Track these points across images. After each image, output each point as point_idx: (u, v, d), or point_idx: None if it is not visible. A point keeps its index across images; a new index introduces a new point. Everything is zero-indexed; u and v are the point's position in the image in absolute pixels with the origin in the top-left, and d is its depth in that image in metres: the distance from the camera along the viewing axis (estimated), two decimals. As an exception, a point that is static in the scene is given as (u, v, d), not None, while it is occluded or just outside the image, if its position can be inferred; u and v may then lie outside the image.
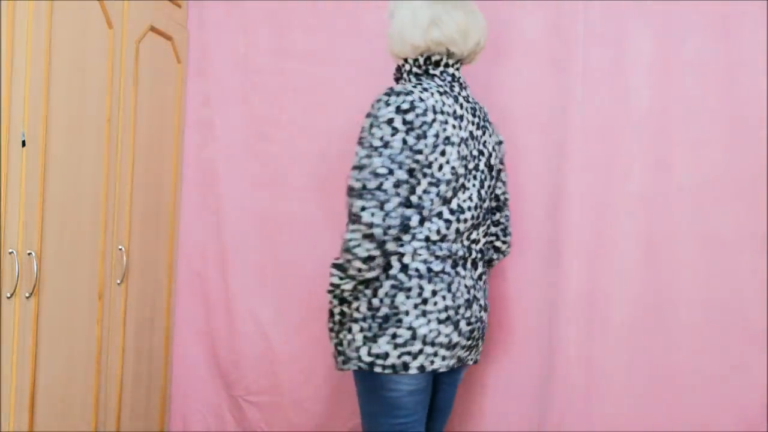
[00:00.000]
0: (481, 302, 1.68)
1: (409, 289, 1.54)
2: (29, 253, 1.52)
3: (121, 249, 1.92)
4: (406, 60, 1.69)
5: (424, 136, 1.52)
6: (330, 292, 1.59)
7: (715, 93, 1.97)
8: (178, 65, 2.26)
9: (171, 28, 2.17)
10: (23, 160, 1.49)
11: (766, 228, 1.93)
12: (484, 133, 1.69)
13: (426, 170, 1.54)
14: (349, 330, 1.58)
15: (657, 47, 2.01)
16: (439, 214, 1.57)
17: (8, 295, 1.46)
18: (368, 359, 1.55)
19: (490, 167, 1.70)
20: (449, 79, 1.66)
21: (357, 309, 1.57)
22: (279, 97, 2.28)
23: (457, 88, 1.66)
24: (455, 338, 1.58)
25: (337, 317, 1.60)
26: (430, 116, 1.54)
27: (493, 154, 1.73)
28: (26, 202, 1.50)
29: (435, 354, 1.55)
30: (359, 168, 1.50)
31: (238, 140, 2.30)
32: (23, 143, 1.49)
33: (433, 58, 1.66)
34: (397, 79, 1.72)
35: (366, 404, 1.64)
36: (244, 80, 2.30)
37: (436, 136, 1.54)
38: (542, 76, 2.08)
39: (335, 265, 1.56)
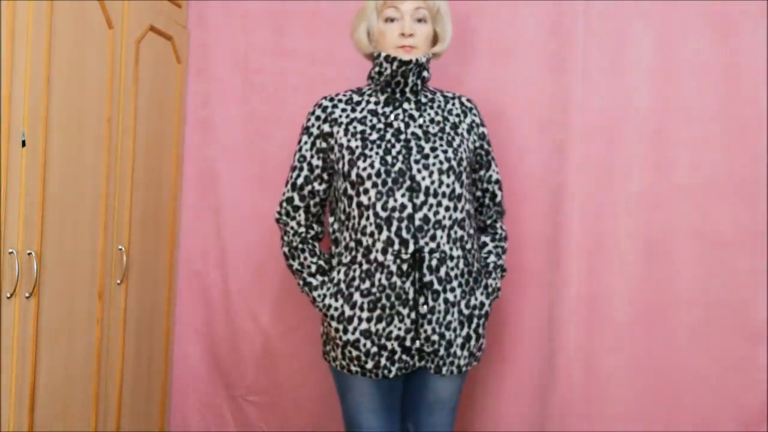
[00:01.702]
0: None
1: None
2: (29, 253, 1.52)
3: (121, 249, 1.92)
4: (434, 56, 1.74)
5: None
6: (499, 289, 1.71)
7: (715, 93, 1.97)
8: (178, 65, 2.26)
9: (171, 28, 2.17)
10: (23, 160, 1.49)
11: (766, 228, 1.93)
12: None
13: None
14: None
15: (657, 47, 2.01)
16: None
17: (8, 295, 1.46)
18: None
19: None
20: None
21: None
22: (279, 97, 2.27)
23: None
24: None
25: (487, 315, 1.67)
26: None
27: None
28: (26, 202, 1.50)
29: None
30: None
31: (238, 140, 2.30)
32: (23, 143, 1.49)
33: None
34: (427, 74, 1.69)
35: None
36: (244, 80, 2.30)
37: None
38: (542, 76, 2.08)
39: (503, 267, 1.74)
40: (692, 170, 1.99)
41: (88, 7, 1.71)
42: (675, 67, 2.00)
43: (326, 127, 1.66)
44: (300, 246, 1.68)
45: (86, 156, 1.74)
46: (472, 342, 1.62)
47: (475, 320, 1.61)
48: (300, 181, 1.68)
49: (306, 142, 1.68)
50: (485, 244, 1.75)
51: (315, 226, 1.70)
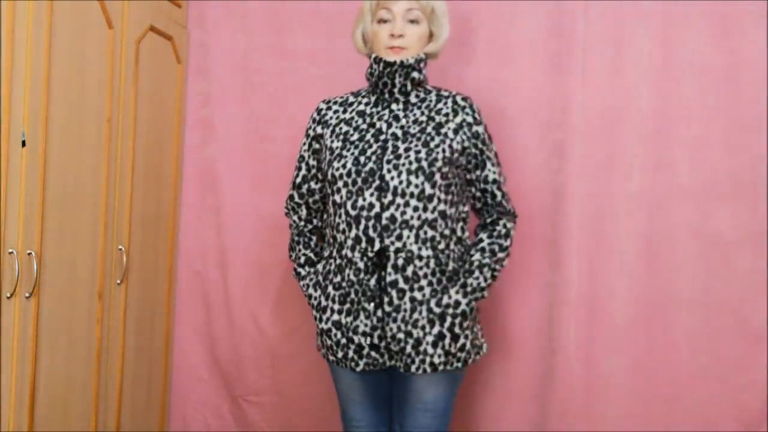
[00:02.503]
0: None
1: None
2: (29, 253, 1.52)
3: (121, 249, 1.92)
4: (427, 56, 1.73)
5: None
6: (487, 288, 1.65)
7: (715, 93, 1.97)
8: (178, 65, 2.26)
9: (171, 28, 2.17)
10: (23, 160, 1.49)
11: (766, 228, 1.93)
12: None
13: None
14: (478, 321, 1.71)
15: (657, 47, 2.01)
16: None
17: (8, 295, 1.46)
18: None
19: None
20: None
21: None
22: (279, 97, 2.28)
23: None
24: None
25: (474, 313, 1.65)
26: None
27: None
28: (26, 202, 1.50)
29: None
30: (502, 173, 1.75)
31: (238, 140, 2.30)
32: (23, 143, 1.49)
33: None
34: (417, 75, 1.68)
35: (454, 397, 1.72)
36: (244, 80, 2.30)
37: None
38: (542, 76, 2.08)
39: (500, 261, 1.69)
40: (692, 170, 1.99)
41: (88, 7, 1.71)
42: (675, 67, 2.00)
43: (319, 129, 1.73)
44: (296, 238, 1.79)
45: (86, 156, 1.74)
46: (447, 341, 1.58)
47: (449, 319, 1.58)
48: (299, 180, 1.78)
49: (305, 144, 1.77)
50: (480, 241, 1.70)
51: (315, 220, 1.80)
